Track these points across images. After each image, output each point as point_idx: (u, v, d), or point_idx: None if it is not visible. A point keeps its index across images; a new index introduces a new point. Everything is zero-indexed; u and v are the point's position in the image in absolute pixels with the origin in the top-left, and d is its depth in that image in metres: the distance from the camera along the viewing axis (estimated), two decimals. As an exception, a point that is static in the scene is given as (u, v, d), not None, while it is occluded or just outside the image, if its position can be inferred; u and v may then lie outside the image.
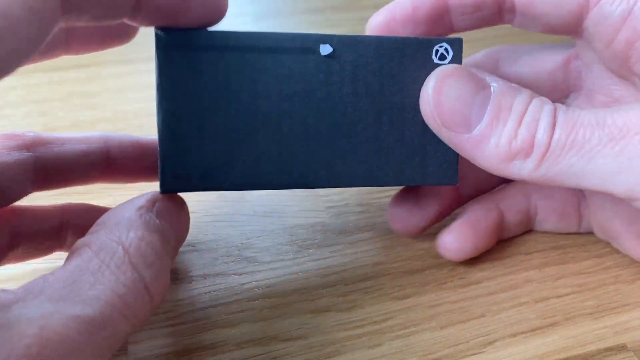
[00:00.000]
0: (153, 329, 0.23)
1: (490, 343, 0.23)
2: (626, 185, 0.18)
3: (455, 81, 0.21)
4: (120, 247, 0.17)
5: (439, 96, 0.21)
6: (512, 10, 0.23)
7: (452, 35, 0.24)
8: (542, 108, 0.20)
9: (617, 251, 0.27)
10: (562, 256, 0.27)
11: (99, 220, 0.18)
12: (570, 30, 0.23)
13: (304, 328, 0.23)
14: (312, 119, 0.22)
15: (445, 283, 0.25)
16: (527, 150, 0.19)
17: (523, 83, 0.24)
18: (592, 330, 0.23)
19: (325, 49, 0.21)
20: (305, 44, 0.21)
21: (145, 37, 0.44)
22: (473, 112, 0.20)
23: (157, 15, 0.18)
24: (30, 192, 0.23)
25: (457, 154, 0.23)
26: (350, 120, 0.22)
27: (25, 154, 0.22)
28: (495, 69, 0.25)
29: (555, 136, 0.19)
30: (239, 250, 0.27)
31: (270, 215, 0.28)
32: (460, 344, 0.23)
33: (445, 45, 0.22)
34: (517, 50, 0.26)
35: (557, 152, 0.19)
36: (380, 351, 0.22)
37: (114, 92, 0.38)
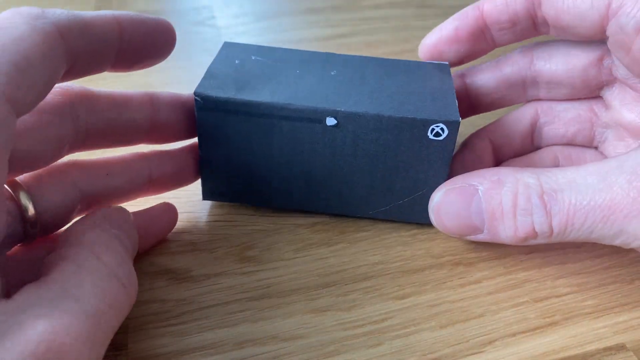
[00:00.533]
0: (153, 328, 0.23)
1: (490, 343, 0.23)
2: (625, 242, 0.21)
3: (447, 206, 0.24)
4: (91, 253, 0.18)
5: (443, 223, 0.24)
6: (545, 23, 0.25)
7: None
8: (529, 199, 0.22)
9: (617, 251, 0.27)
10: (562, 256, 0.27)
11: (60, 238, 0.20)
12: (597, 37, 0.24)
13: (304, 328, 0.23)
14: (316, 168, 0.26)
15: (444, 283, 0.25)
16: (532, 235, 0.22)
17: (557, 79, 0.27)
18: (591, 329, 0.23)
19: (331, 121, 0.24)
20: (314, 116, 0.24)
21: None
22: (475, 220, 0.23)
23: (130, 62, 0.22)
24: (64, 155, 0.22)
25: None
26: (347, 173, 0.26)
27: (66, 118, 0.21)
28: (530, 65, 0.27)
29: (554, 223, 0.21)
30: (239, 250, 0.27)
31: (270, 215, 0.29)
32: (459, 343, 0.23)
33: (441, 125, 0.24)
34: (551, 47, 0.27)
35: (560, 233, 0.22)
36: (380, 351, 0.22)
37: (114, 93, 0.38)
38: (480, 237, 0.24)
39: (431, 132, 0.24)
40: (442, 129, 0.24)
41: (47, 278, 0.17)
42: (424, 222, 0.27)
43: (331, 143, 0.25)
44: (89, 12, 0.19)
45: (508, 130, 0.29)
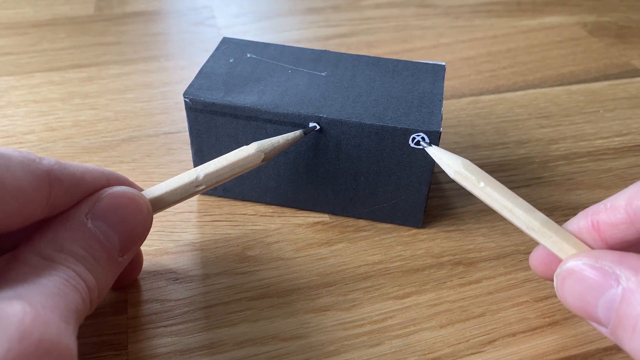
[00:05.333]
0: (153, 328, 0.23)
1: (490, 342, 0.23)
2: None
3: (575, 282, 0.19)
4: (62, 254, 0.18)
5: (564, 295, 0.20)
6: None
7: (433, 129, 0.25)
8: None
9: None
10: (562, 256, 0.27)
11: (42, 231, 0.19)
12: None
13: (304, 328, 0.23)
14: (301, 169, 0.27)
15: (445, 283, 0.25)
16: None
17: None
18: (591, 329, 0.23)
19: (314, 126, 0.25)
20: (298, 121, 0.25)
21: (146, 38, 0.45)
22: (600, 313, 0.19)
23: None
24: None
25: (424, 204, 0.27)
26: (332, 175, 0.27)
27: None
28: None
29: None
30: (239, 250, 0.27)
31: (270, 215, 0.29)
32: (460, 343, 0.23)
33: (422, 134, 0.24)
34: None
35: None
36: (380, 350, 0.22)
37: (114, 92, 0.38)
38: (602, 330, 0.19)
39: (412, 141, 0.24)
40: (422, 138, 0.24)
41: (17, 273, 0.17)
42: (406, 224, 0.28)
43: (315, 146, 0.26)
44: (80, 166, 0.20)
45: None
